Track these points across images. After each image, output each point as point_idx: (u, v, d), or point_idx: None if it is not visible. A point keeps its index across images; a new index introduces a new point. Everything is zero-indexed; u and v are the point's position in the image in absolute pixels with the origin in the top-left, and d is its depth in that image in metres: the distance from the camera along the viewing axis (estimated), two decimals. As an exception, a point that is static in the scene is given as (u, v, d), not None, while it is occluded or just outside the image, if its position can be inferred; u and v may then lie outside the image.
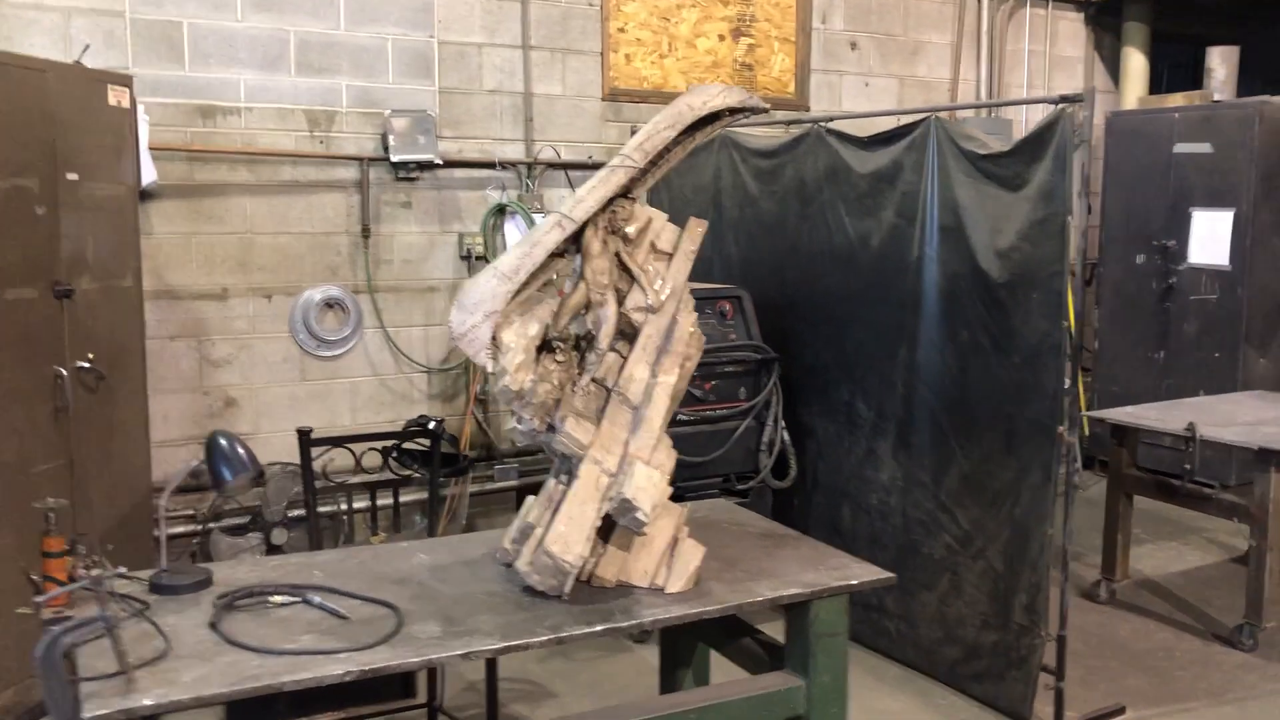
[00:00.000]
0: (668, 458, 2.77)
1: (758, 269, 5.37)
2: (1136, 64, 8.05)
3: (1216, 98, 7.35)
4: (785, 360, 5.08)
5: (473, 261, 6.04)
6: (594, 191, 2.70)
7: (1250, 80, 7.63)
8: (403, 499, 4.12)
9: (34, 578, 2.53)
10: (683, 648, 3.35)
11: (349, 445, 3.93)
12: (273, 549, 5.26)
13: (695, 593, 2.71)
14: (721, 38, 6.79)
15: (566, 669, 4.59)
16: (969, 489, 4.35)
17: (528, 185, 6.16)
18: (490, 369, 2.62)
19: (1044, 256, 3.99)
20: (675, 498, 4.47)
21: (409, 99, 5.81)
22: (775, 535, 3.17)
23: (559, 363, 2.83)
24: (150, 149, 5.12)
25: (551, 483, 2.83)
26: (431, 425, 4.03)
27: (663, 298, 2.82)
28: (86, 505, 4.38)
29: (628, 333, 2.83)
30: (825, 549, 3.05)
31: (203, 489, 5.41)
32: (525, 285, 2.71)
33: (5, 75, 3.98)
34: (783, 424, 5.08)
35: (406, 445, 4.20)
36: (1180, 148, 7.16)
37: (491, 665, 3.72)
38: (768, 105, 3.00)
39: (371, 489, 3.93)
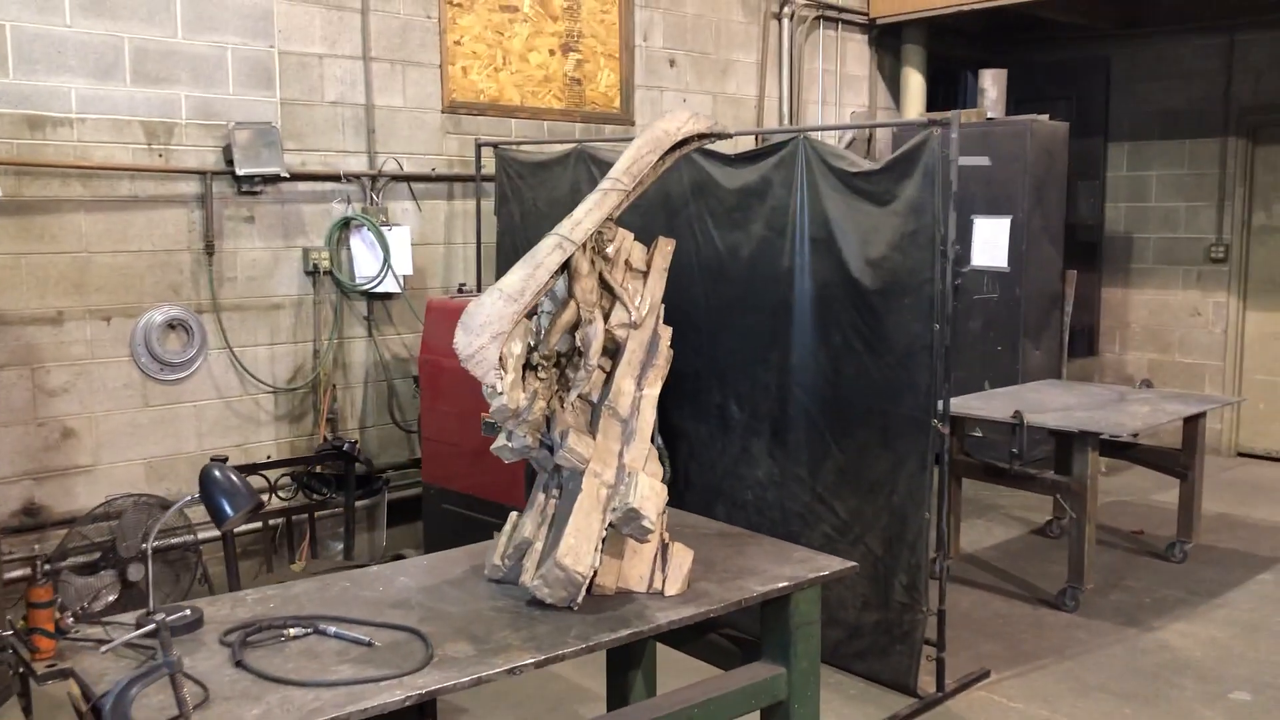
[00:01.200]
0: (658, 467, 2.90)
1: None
2: (915, 83, 8.77)
3: (990, 115, 8.14)
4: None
5: (319, 276, 5.90)
6: (590, 214, 2.80)
7: (1013, 99, 8.48)
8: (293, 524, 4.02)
9: (17, 629, 2.37)
10: (634, 650, 3.48)
11: (263, 473, 3.80)
12: (128, 585, 4.96)
13: (692, 593, 2.86)
14: (552, 52, 6.91)
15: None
16: (845, 481, 4.69)
17: (372, 198, 6.07)
18: (498, 389, 2.67)
19: (914, 265, 4.37)
20: None
21: (251, 110, 5.61)
22: (730, 534, 3.36)
23: (541, 380, 2.91)
24: (-23, 162, 4.74)
25: (541, 497, 2.90)
26: (345, 447, 3.95)
27: (643, 313, 2.95)
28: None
29: (609, 348, 2.95)
30: (784, 544, 3.27)
31: (41, 527, 5.04)
32: (528, 305, 2.78)
33: None
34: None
35: (313, 469, 4.09)
36: (963, 161, 7.85)
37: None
38: (732, 131, 3.18)
39: (287, 516, 3.82)
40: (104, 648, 2.11)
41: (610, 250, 2.96)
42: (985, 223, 7.81)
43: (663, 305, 3.05)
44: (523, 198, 6.09)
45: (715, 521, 3.56)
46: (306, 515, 3.83)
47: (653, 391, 2.95)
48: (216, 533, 5.48)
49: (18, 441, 5.05)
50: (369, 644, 2.51)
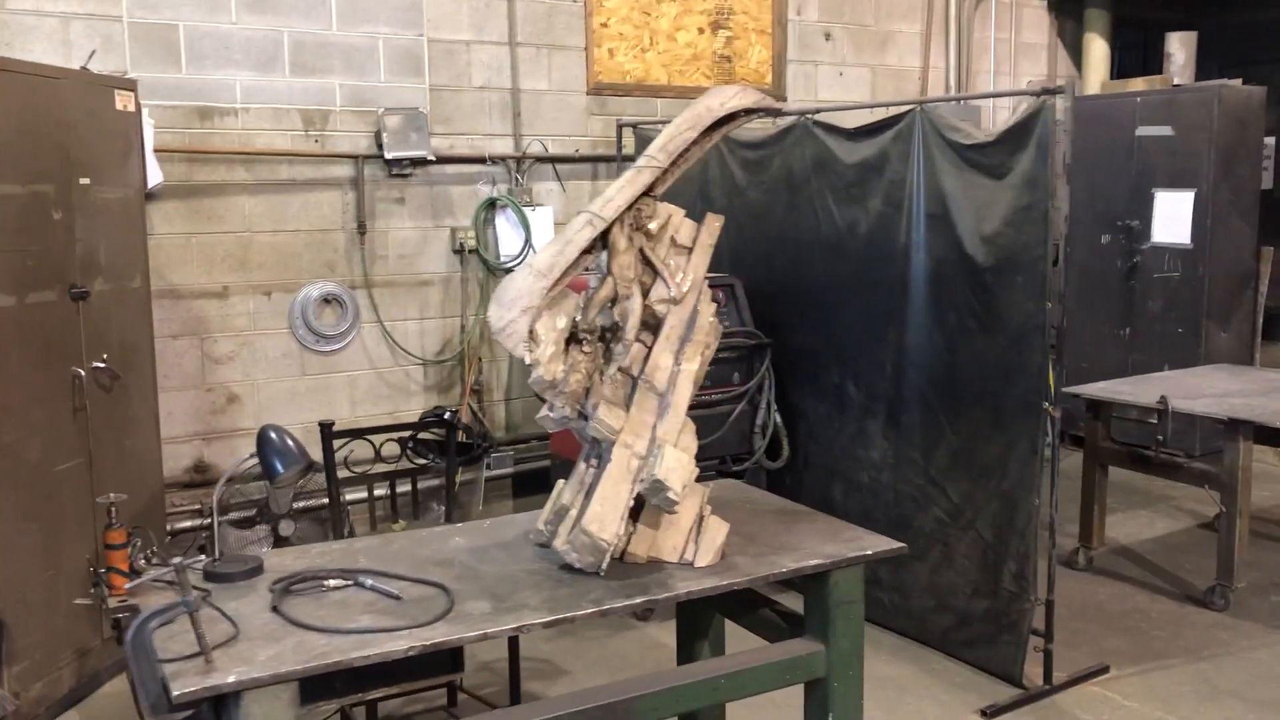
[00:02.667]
0: (692, 440, 2.94)
1: (746, 257, 5.55)
2: (1098, 50, 8.30)
3: (1176, 82, 7.62)
4: (778, 345, 5.27)
5: (465, 255, 6.18)
6: (622, 191, 2.87)
7: (1207, 64, 7.90)
8: (420, 486, 4.27)
9: (98, 570, 2.66)
10: (701, 620, 3.53)
11: (369, 437, 4.06)
12: (280, 541, 5.39)
13: (722, 566, 2.89)
14: (701, 31, 6.95)
15: (576, 647, 4.77)
16: (958, 464, 4.56)
17: (517, 179, 6.30)
18: (528, 361, 2.78)
19: (1027, 241, 4.20)
20: None
21: (400, 97, 5.93)
22: (789, 512, 3.36)
23: (585, 354, 2.98)
24: (153, 151, 5.22)
25: (581, 466, 2.99)
26: (446, 415, 4.17)
27: (684, 290, 2.99)
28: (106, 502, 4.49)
29: (651, 324, 3.00)
30: (838, 523, 3.24)
31: (209, 483, 5.54)
32: (559, 281, 2.88)
33: (21, 83, 4.07)
34: (775, 407, 5.27)
35: (422, 435, 4.34)
36: (1142, 131, 7.42)
37: (514, 644, 3.88)
38: (780, 107, 3.17)
39: (391, 479, 4.08)
40: (129, 584, 2.35)
41: (653, 227, 3.01)
42: (1166, 196, 7.35)
43: (706, 280, 3.07)
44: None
45: (777, 498, 3.55)
46: (409, 479, 4.08)
47: (691, 366, 2.98)
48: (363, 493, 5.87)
49: (189, 404, 5.56)
50: (397, 597, 2.67)
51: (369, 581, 2.74)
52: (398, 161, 5.88)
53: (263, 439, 2.85)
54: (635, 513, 2.94)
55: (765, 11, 7.17)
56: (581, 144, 6.53)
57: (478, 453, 5.30)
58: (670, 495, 2.78)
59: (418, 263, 6.10)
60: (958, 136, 4.45)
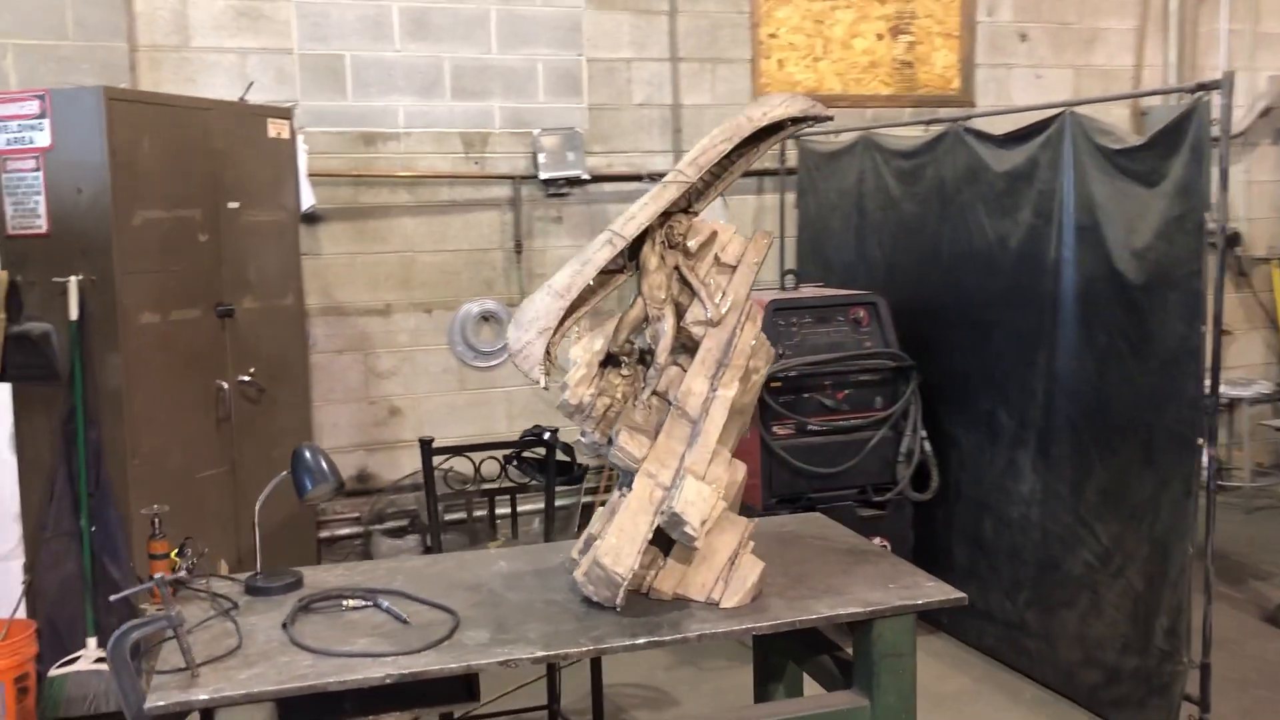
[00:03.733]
0: (725, 471, 2.76)
1: (900, 273, 5.24)
2: (1355, 37, 7.34)
3: None
4: (928, 368, 4.94)
5: (623, 272, 6.15)
6: (645, 208, 2.74)
7: None
8: (523, 507, 4.26)
9: (141, 578, 2.78)
10: (773, 663, 3.33)
11: (469, 454, 4.10)
12: (429, 550, 5.53)
13: (751, 608, 2.70)
14: (879, 36, 6.65)
15: (694, 677, 4.63)
16: (1108, 502, 4.11)
17: (678, 195, 6.20)
18: (542, 384, 2.71)
19: (1180, 256, 3.73)
20: (804, 508, 4.47)
21: (558, 117, 5.98)
22: (858, 551, 3.11)
23: (624, 377, 2.88)
24: (316, 175, 5.50)
25: (615, 495, 2.88)
26: (546, 435, 4.15)
27: (723, 311, 2.82)
28: (249, 508, 4.74)
29: (690, 347, 2.85)
30: (905, 567, 2.96)
31: (369, 492, 5.77)
32: (581, 302, 2.79)
33: (168, 116, 4.38)
34: (924, 434, 4.93)
35: (527, 454, 4.34)
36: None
37: (597, 670, 3.79)
38: (831, 113, 2.95)
39: (490, 496, 4.09)
40: (113, 597, 2.44)
41: (692, 245, 2.86)
42: None
43: (750, 302, 2.88)
44: (818, 189, 5.96)
45: (854, 536, 3.28)
46: (508, 496, 4.07)
47: (727, 392, 2.79)
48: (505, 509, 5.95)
49: (354, 416, 5.81)
50: (405, 621, 2.65)
51: (385, 603, 2.74)
52: (554, 181, 5.94)
53: (296, 456, 2.90)
54: (668, 546, 2.80)
55: (952, 14, 6.77)
56: (746, 158, 6.36)
57: (578, 473, 5.25)
58: (687, 530, 2.62)
59: (575, 280, 6.11)
60: (1107, 141, 4.02)
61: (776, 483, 4.74)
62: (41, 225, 4.18)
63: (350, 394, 5.81)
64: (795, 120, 2.87)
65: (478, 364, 5.99)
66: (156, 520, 2.79)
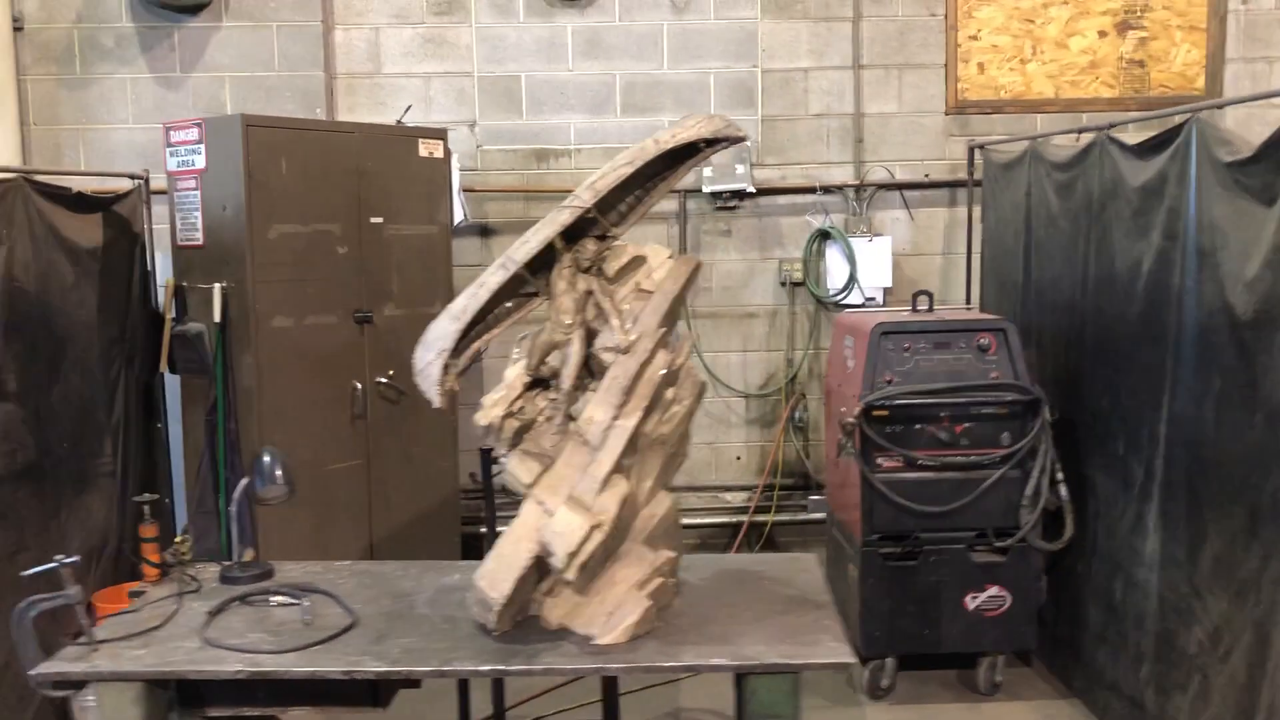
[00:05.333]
0: (615, 504, 2.67)
1: (1053, 296, 4.75)
2: None
3: None
4: (1070, 404, 4.46)
5: (793, 288, 6.00)
6: (538, 233, 2.72)
7: None
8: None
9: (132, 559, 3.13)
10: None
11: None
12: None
13: (623, 648, 2.61)
14: (1102, 34, 6.01)
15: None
16: (1219, 574, 3.51)
17: (854, 208, 5.97)
18: (435, 404, 2.75)
19: (1286, 289, 3.13)
20: (910, 554, 4.18)
21: (730, 129, 5.91)
22: (801, 601, 2.89)
23: (551, 400, 2.87)
24: (490, 191, 5.84)
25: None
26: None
27: (631, 338, 2.74)
28: (384, 501, 5.13)
29: (601, 373, 2.79)
30: (832, 627, 2.71)
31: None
32: (495, 324, 2.82)
33: (314, 140, 4.82)
34: (1060, 477, 4.45)
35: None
36: None
37: (610, 687, 3.76)
38: (744, 134, 2.77)
39: (547, 508, 4.15)
40: (24, 573, 2.73)
41: (611, 269, 2.79)
42: None
43: (663, 330, 2.76)
44: (997, 202, 5.49)
45: (819, 585, 3.02)
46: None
47: (627, 422, 2.69)
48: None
49: (519, 420, 6.07)
50: (308, 622, 2.80)
51: (305, 602, 2.90)
52: (722, 194, 5.89)
53: (256, 459, 3.13)
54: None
55: (1196, 4, 5.98)
56: (936, 169, 5.99)
57: None
58: (554, 561, 2.58)
59: (742, 295, 6.04)
60: (1223, 152, 3.45)
61: (878, 518, 4.45)
62: (199, 238, 4.75)
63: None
64: (709, 142, 2.72)
65: (641, 375, 6.05)
66: (146, 508, 3.12)
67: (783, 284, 6.01)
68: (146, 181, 5.17)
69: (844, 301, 5.88)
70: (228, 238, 4.64)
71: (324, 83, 5.80)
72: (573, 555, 2.57)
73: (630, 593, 2.69)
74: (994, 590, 4.47)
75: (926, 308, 4.80)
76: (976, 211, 5.77)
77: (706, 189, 5.85)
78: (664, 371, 2.74)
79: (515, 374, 2.88)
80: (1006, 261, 5.36)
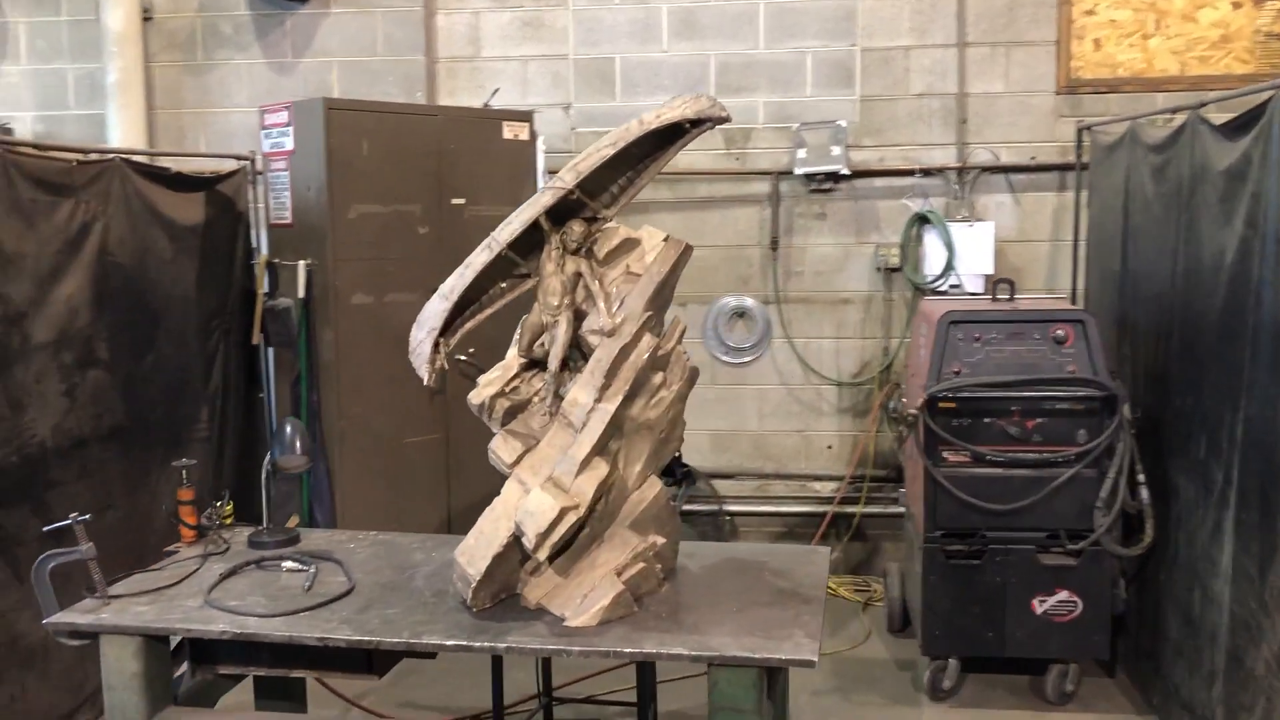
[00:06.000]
0: (592, 486, 2.66)
1: (1147, 288, 4.46)
2: None
3: None
4: (1155, 402, 4.20)
5: (889, 274, 5.83)
6: (520, 214, 2.72)
7: None
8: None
9: (171, 519, 3.31)
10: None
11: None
12: (654, 538, 5.69)
13: (591, 631, 2.60)
14: (1236, 5, 5.58)
15: (850, 712, 4.37)
16: (1287, 591, 3.25)
17: (956, 192, 5.74)
18: (426, 382, 2.80)
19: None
20: (974, 552, 4.03)
21: (826, 110, 5.79)
22: (791, 595, 2.82)
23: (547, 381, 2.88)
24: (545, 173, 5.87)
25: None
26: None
27: (616, 321, 2.72)
28: (460, 474, 5.24)
29: (589, 354, 2.78)
30: (809, 622, 2.64)
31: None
32: (489, 304, 2.85)
33: (396, 123, 4.95)
34: (1141, 478, 4.19)
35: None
36: None
37: (646, 675, 3.75)
38: (728, 115, 2.69)
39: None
40: (46, 528, 2.90)
41: (601, 251, 2.77)
42: None
43: (649, 313, 2.71)
44: (1101, 186, 5.19)
45: (818, 579, 2.93)
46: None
47: (609, 406, 2.66)
48: (741, 506, 5.93)
49: (609, 402, 6.10)
50: (308, 589, 2.90)
51: (312, 569, 3.01)
52: (816, 176, 5.76)
53: (279, 426, 3.25)
54: (561, 553, 2.77)
55: (1345, -30, 5.50)
56: (1044, 151, 5.70)
57: (679, 476, 5.03)
58: (525, 541, 2.59)
59: (836, 280, 5.90)
60: (1297, 130, 3.16)
61: (941, 514, 4.29)
62: (288, 216, 4.95)
63: (607, 380, 6.09)
64: (694, 123, 2.66)
65: (729, 359, 6.01)
66: (184, 472, 3.28)
67: (878, 269, 5.84)
68: (253, 163, 5.41)
69: (940, 288, 5.66)
70: (312, 217, 4.82)
71: (425, 66, 5.95)
72: (542, 536, 2.58)
73: (607, 576, 2.68)
74: (1064, 595, 4.25)
75: (1007, 296, 4.58)
76: (1085, 197, 5.47)
77: (799, 170, 5.74)
78: (647, 355, 2.71)
79: (513, 355, 2.90)
80: (1107, 249, 5.06)
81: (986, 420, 4.26)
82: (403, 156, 4.94)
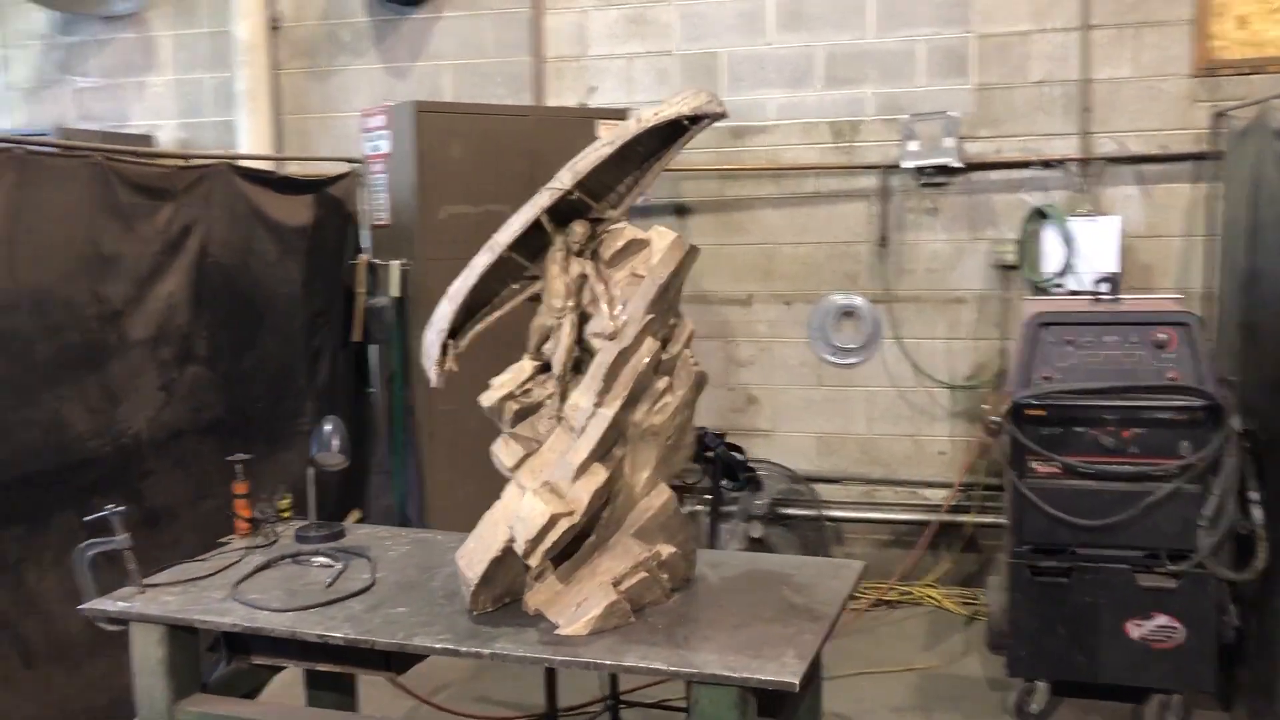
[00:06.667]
0: (587, 493, 2.60)
1: (1272, 287, 4.07)
2: None
3: None
4: (1273, 413, 3.83)
5: (1003, 272, 5.53)
6: (520, 215, 2.68)
7: None
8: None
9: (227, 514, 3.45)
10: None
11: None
12: (753, 543, 5.59)
13: (579, 640, 2.55)
14: (1404, -27, 5.04)
15: None
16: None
17: (1079, 184, 5.39)
18: (433, 383, 2.81)
19: None
20: (1063, 570, 3.80)
21: (938, 100, 5.53)
22: (801, 611, 2.68)
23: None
24: (685, 170, 5.81)
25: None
26: (706, 437, 4.04)
27: (617, 324, 2.65)
28: (553, 473, 5.27)
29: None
30: (809, 641, 2.51)
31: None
32: (501, 304, 2.84)
33: (486, 124, 5.01)
34: (1255, 497, 3.84)
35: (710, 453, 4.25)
36: None
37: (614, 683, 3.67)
38: (724, 110, 2.58)
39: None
40: (87, 518, 3.02)
41: (608, 252, 2.71)
42: None
43: (650, 316, 2.62)
44: (1235, 176, 4.78)
45: (839, 593, 2.78)
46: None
47: (607, 411, 2.59)
48: (846, 512, 5.76)
49: (713, 402, 6.02)
50: (329, 584, 2.95)
51: (339, 565, 3.07)
52: (927, 170, 5.52)
53: (319, 425, 3.32)
54: (566, 558, 2.74)
55: None
56: (1177, 139, 5.28)
57: (741, 480, 4.82)
58: (515, 546, 2.57)
59: (949, 278, 5.64)
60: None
61: (1028, 528, 4.04)
62: (385, 217, 5.09)
63: (712, 379, 5.92)
64: (693, 120, 2.57)
65: (836, 360, 5.83)
66: (239, 467, 3.40)
67: (994, 267, 5.55)
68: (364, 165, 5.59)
69: (1057, 287, 5.33)
70: (406, 218, 4.94)
71: (532, 67, 6.00)
72: (533, 543, 2.54)
73: (602, 586, 2.62)
74: (1162, 620, 3.93)
75: (1110, 296, 4.27)
76: (1221, 188, 5.05)
77: (906, 164, 5.51)
78: (647, 360, 2.64)
79: (527, 358, 2.88)
80: (1237, 245, 4.65)
81: (1078, 429, 3.98)
82: (494, 157, 4.99)
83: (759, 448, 5.94)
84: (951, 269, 5.63)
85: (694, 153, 5.67)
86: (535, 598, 2.71)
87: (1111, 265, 5.28)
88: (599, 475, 2.64)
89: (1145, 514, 3.89)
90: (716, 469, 4.06)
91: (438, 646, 2.57)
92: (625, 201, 2.77)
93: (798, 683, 2.31)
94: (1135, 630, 3.97)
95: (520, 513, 2.58)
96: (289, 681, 3.44)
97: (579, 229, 2.71)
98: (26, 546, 3.76)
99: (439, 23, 6.10)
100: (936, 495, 5.69)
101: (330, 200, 5.45)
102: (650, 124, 2.58)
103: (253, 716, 2.87)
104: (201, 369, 4.59)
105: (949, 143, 5.44)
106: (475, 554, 2.68)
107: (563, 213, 2.72)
